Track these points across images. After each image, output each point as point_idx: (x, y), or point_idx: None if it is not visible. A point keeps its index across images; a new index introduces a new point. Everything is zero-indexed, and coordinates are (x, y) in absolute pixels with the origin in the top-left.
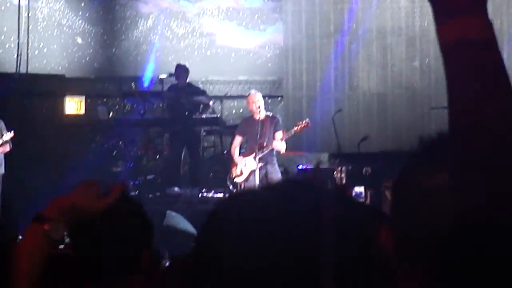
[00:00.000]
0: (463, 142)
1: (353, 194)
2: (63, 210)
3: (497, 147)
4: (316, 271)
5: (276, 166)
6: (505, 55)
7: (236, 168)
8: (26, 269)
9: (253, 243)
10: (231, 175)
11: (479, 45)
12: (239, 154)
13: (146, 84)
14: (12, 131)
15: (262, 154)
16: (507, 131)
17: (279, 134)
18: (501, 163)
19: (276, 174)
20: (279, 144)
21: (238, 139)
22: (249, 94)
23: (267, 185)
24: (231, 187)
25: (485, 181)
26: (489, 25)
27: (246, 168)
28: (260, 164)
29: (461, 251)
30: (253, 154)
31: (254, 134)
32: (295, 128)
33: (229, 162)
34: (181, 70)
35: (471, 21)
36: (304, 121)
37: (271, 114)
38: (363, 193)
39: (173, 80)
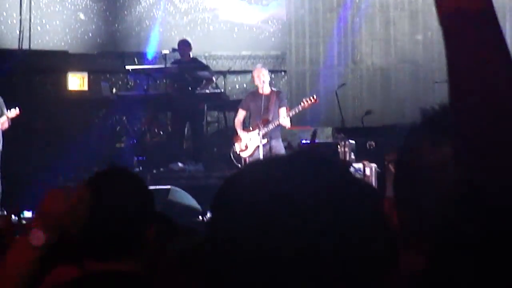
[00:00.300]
0: (463, 112)
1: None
2: (41, 219)
3: (496, 117)
4: (329, 244)
5: (281, 141)
6: (507, 26)
7: (241, 142)
8: (14, 280)
9: (266, 218)
10: (235, 150)
11: (477, 15)
12: (244, 129)
13: (149, 58)
14: (17, 108)
15: (267, 129)
16: (507, 100)
17: (283, 110)
18: (501, 133)
19: (280, 149)
20: (285, 120)
21: (242, 113)
22: (255, 68)
23: (276, 157)
24: (235, 161)
25: (486, 153)
26: None
27: (251, 143)
28: (265, 140)
29: (462, 225)
30: (258, 129)
31: (259, 109)
32: (303, 104)
33: (233, 137)
34: (184, 45)
35: None
36: (312, 98)
37: (276, 89)
38: (362, 169)
39: (176, 55)
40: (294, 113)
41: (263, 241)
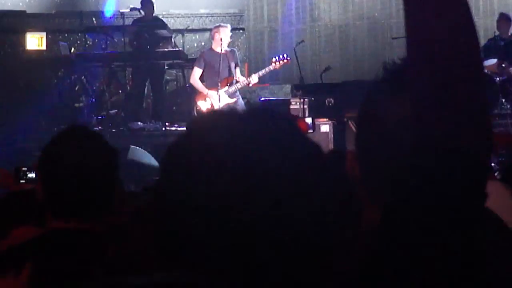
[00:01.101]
0: (420, 66)
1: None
2: None
3: (453, 72)
4: (284, 199)
5: (241, 100)
6: None
7: (205, 101)
8: None
9: (215, 175)
10: (199, 108)
11: None
12: (209, 88)
13: (108, 17)
14: None
15: (234, 88)
16: (464, 55)
17: (238, 69)
18: (456, 88)
19: (242, 108)
20: (254, 79)
21: (199, 72)
22: (220, 26)
23: (224, 114)
24: None
25: (441, 107)
26: None
27: (217, 102)
28: (233, 99)
29: (420, 183)
30: (224, 88)
31: (219, 68)
32: (274, 65)
33: (193, 95)
34: (147, 3)
35: None
36: (284, 58)
37: (230, 48)
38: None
39: (134, 14)
40: (265, 72)
41: (211, 197)
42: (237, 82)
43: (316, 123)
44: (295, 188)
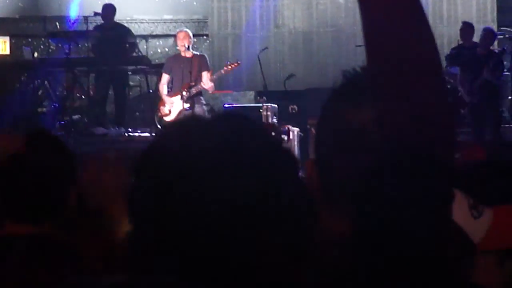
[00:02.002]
0: (379, 74)
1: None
2: None
3: (411, 77)
4: (248, 206)
5: (204, 106)
6: None
7: (165, 107)
8: None
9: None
10: (159, 114)
11: None
12: (167, 94)
13: (71, 22)
14: None
15: (190, 94)
16: (420, 59)
17: (205, 74)
18: (416, 91)
19: (203, 114)
20: (208, 84)
21: (165, 77)
22: (180, 31)
23: (199, 119)
24: (159, 126)
25: (403, 112)
26: None
27: (174, 108)
28: (187, 105)
29: (383, 188)
30: (181, 94)
31: (181, 73)
32: (226, 68)
33: (157, 101)
34: (108, 10)
35: None
36: (234, 62)
37: (199, 53)
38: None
39: (98, 19)
40: (216, 76)
41: (186, 202)
42: (193, 87)
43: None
44: (266, 191)
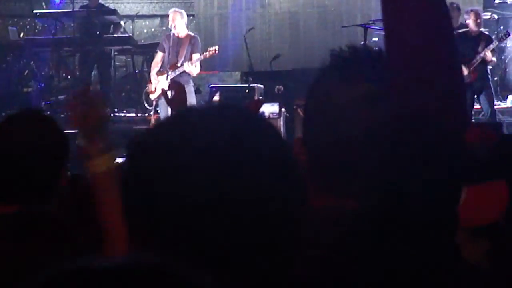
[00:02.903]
0: (398, 61)
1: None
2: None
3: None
4: (239, 188)
5: (191, 86)
6: None
7: (151, 84)
8: None
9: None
10: (146, 90)
11: None
12: (157, 72)
13: (57, 2)
14: None
15: (175, 74)
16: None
17: (196, 56)
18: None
19: (189, 95)
20: (190, 67)
21: (159, 55)
22: (174, 11)
23: (194, 110)
24: (145, 104)
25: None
26: None
27: (159, 86)
28: (169, 83)
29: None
30: (166, 74)
31: (169, 53)
32: (204, 54)
33: (143, 81)
34: None
35: None
36: (212, 48)
37: (192, 34)
38: (277, 112)
39: (83, 0)
40: (195, 62)
41: (178, 187)
42: (179, 67)
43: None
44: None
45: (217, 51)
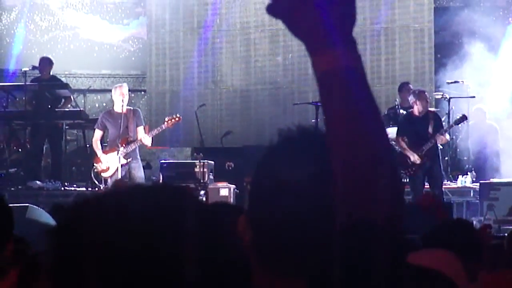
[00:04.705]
0: (338, 156)
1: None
2: None
3: (365, 161)
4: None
5: (139, 161)
6: (368, 49)
7: (101, 163)
8: None
9: (114, 246)
10: (96, 170)
11: (344, 72)
12: (103, 150)
13: (9, 74)
14: None
15: (128, 149)
16: (375, 146)
17: (141, 129)
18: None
19: (139, 169)
20: (146, 138)
21: (99, 133)
22: (119, 85)
23: (131, 188)
24: (96, 182)
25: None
26: (356, 56)
27: (112, 164)
28: (125, 160)
29: (317, 242)
30: (117, 150)
31: (118, 128)
32: (166, 123)
33: (92, 156)
34: (45, 63)
35: (337, 54)
36: (175, 116)
37: (132, 108)
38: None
39: (36, 72)
40: (157, 132)
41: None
42: (132, 142)
43: (216, 187)
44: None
45: (180, 119)
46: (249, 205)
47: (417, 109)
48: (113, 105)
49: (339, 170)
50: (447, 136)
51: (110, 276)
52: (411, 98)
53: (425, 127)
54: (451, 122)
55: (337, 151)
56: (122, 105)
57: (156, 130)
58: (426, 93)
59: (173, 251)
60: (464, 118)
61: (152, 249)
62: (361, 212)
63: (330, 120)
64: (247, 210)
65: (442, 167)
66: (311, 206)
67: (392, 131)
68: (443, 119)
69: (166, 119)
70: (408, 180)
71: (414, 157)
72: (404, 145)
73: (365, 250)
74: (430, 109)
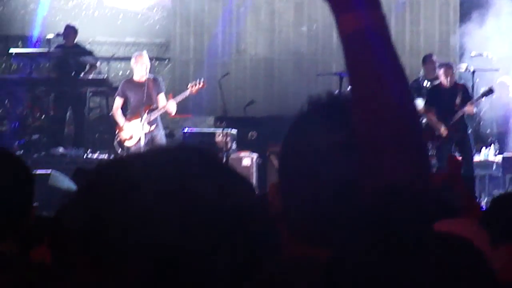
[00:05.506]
0: (361, 112)
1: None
2: None
3: (387, 121)
4: (208, 235)
5: (162, 129)
6: (392, 21)
7: (125, 132)
8: None
9: (139, 210)
10: (119, 138)
11: (370, 34)
12: (126, 118)
13: (34, 42)
14: None
15: (151, 117)
16: (399, 108)
17: (162, 96)
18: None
19: (162, 138)
20: (171, 104)
21: (119, 101)
22: (139, 54)
23: (157, 149)
24: (119, 150)
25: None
26: (381, 16)
27: (136, 132)
28: (151, 127)
29: (347, 212)
30: (141, 117)
31: (141, 97)
32: (190, 89)
33: (115, 124)
34: (70, 31)
35: (363, 14)
36: (199, 82)
37: (152, 76)
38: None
39: (60, 40)
40: (181, 98)
41: (137, 233)
42: (154, 109)
43: (238, 156)
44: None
45: (204, 85)
46: (279, 171)
47: (445, 81)
48: (133, 74)
49: (363, 134)
50: (473, 109)
51: (136, 241)
52: (439, 70)
53: (453, 99)
54: (477, 95)
55: (362, 114)
56: (145, 74)
57: (180, 96)
58: (449, 66)
59: (202, 213)
60: (491, 91)
61: (180, 211)
62: (386, 175)
63: (355, 82)
64: (278, 177)
65: (471, 139)
66: (344, 174)
67: (416, 103)
68: None
69: (190, 85)
70: (435, 152)
71: (442, 129)
72: (432, 116)
73: (392, 214)
74: (457, 81)
